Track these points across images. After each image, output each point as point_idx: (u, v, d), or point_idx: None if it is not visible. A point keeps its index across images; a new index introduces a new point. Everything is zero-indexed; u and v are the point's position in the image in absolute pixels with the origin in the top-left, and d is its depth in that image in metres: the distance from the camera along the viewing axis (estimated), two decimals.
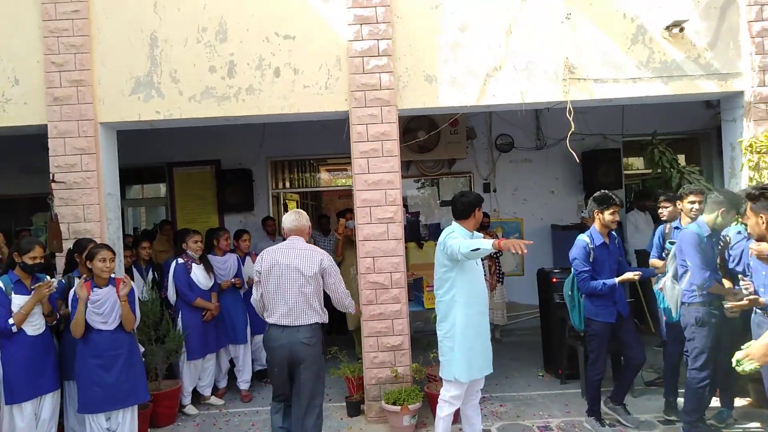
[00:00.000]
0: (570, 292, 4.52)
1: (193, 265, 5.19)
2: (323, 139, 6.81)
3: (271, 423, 3.89)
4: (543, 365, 5.81)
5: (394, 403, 4.37)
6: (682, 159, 8.38)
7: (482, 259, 6.84)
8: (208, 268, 5.30)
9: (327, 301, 3.80)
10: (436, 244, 6.08)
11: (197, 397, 5.29)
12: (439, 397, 3.82)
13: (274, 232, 7.23)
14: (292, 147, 7.86)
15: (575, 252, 4.29)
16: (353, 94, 4.69)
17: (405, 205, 8.10)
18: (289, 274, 3.64)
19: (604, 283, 4.19)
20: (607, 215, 4.22)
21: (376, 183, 4.69)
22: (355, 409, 4.85)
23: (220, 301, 5.41)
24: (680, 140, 8.20)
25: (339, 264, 6.05)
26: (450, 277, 3.70)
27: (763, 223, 2.86)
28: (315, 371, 3.67)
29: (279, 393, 3.79)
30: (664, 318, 4.61)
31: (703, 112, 7.54)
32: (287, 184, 9.60)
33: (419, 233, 8.01)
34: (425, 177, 8.08)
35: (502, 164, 7.97)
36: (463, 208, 3.78)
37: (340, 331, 7.42)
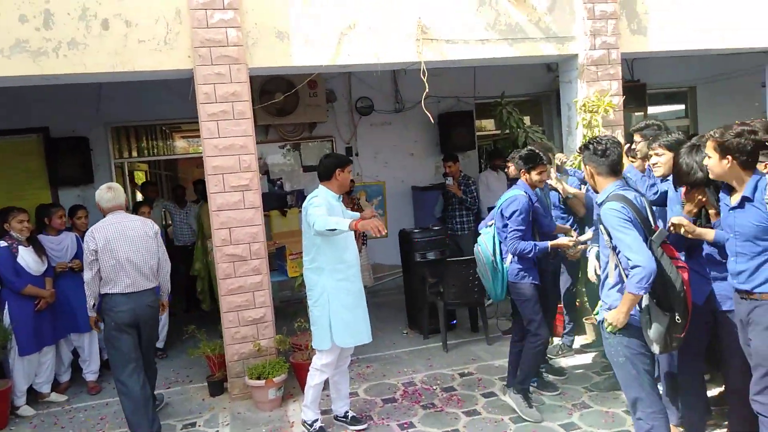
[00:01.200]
0: (492, 257, 3.86)
1: (20, 247, 4.51)
2: (170, 103, 6.26)
3: (130, 396, 3.81)
4: (407, 323, 5.99)
5: (258, 378, 4.21)
6: (527, 120, 9.01)
7: None
8: (39, 250, 4.65)
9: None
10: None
11: (34, 396, 4.71)
12: (311, 365, 3.78)
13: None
14: (135, 112, 7.12)
15: (515, 206, 3.71)
16: (197, 51, 4.28)
17: (266, 172, 7.81)
18: (126, 246, 3.84)
19: (535, 245, 3.72)
20: (534, 175, 3.82)
21: (228, 148, 4.37)
22: (217, 388, 4.61)
23: (57, 286, 4.80)
24: (525, 102, 8.75)
25: None
26: (316, 243, 3.61)
27: (588, 173, 2.97)
28: (154, 328, 4.17)
29: (131, 357, 3.85)
30: None
31: (545, 75, 8.09)
32: (135, 153, 8.79)
33: (283, 200, 7.79)
34: (286, 141, 7.79)
35: (363, 128, 7.93)
36: (324, 170, 3.73)
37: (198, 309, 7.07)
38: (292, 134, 7.72)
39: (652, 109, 8.97)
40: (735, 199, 2.64)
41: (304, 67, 4.66)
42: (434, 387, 4.41)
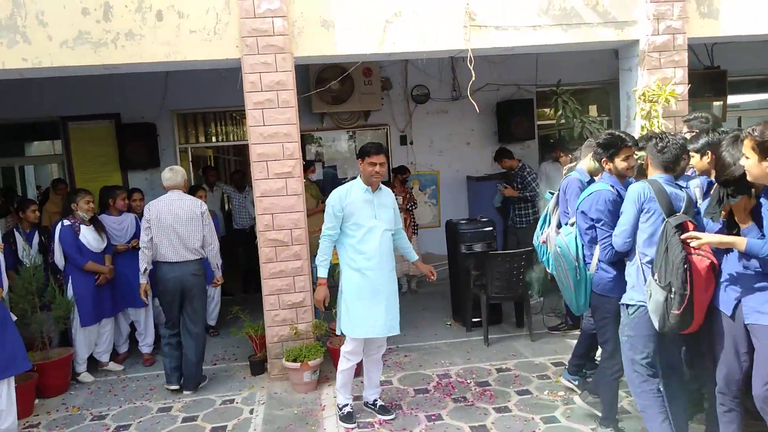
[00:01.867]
0: (576, 262, 3.29)
1: (82, 226, 4.85)
2: (230, 91, 6.46)
3: (166, 353, 4.51)
4: (452, 314, 5.92)
5: (294, 360, 4.31)
6: (594, 109, 8.60)
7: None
8: (100, 228, 4.98)
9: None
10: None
11: (95, 364, 5.07)
12: (341, 350, 3.84)
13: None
14: (197, 99, 7.41)
15: (599, 206, 3.16)
16: (244, 41, 4.39)
17: (320, 160, 7.94)
18: (172, 221, 4.35)
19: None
20: (620, 162, 3.21)
21: (272, 136, 4.47)
22: (258, 367, 4.78)
23: (117, 263, 5.13)
24: (592, 90, 8.36)
25: None
26: (335, 235, 3.74)
27: (646, 160, 3.07)
28: (202, 298, 4.55)
29: (170, 319, 4.49)
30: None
31: (612, 61, 7.63)
32: (201, 138, 9.19)
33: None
34: (341, 129, 7.87)
35: (419, 116, 7.87)
36: (358, 154, 3.78)
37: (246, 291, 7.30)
38: (348, 122, 7.79)
39: (732, 98, 8.32)
40: None
41: (350, 56, 4.67)
42: (469, 381, 4.35)
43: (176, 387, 4.50)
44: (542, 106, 8.16)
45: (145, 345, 5.30)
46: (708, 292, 2.76)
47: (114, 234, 5.16)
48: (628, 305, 3.02)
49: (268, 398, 4.31)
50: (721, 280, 2.75)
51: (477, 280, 5.37)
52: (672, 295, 2.67)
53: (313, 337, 4.59)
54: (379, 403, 3.96)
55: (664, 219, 2.80)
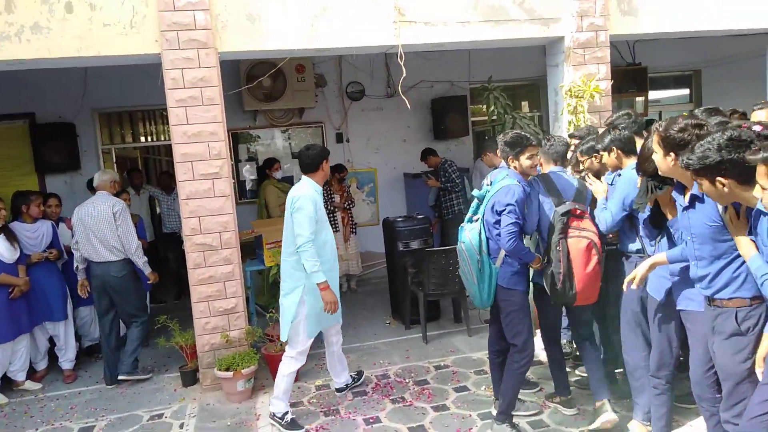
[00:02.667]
0: (478, 255, 3.30)
1: None
2: (154, 88, 6.15)
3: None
4: (391, 313, 5.89)
5: (227, 369, 4.14)
6: (525, 105, 8.79)
7: (335, 211, 6.83)
8: (11, 238, 4.61)
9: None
10: (265, 205, 5.83)
11: (10, 384, 4.70)
12: (285, 354, 3.79)
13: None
14: (121, 96, 7.02)
15: (511, 197, 3.18)
16: (164, 35, 4.16)
17: (255, 159, 7.72)
18: (90, 222, 4.55)
19: (528, 249, 3.30)
20: (525, 160, 3.29)
21: (197, 135, 4.26)
22: (190, 378, 4.56)
23: (32, 274, 4.76)
24: (523, 86, 8.54)
25: None
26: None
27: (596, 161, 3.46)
28: (128, 296, 4.71)
29: (100, 316, 4.82)
30: None
31: (542, 58, 7.80)
32: (128, 138, 8.76)
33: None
34: (275, 127, 7.67)
35: (354, 113, 7.79)
36: (311, 161, 3.74)
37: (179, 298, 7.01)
38: (281, 120, 7.60)
39: (653, 94, 8.71)
40: (686, 198, 2.47)
41: (277, 51, 4.52)
42: (407, 380, 4.32)
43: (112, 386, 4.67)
44: (476, 102, 8.27)
45: (66, 360, 4.96)
46: (588, 267, 3.13)
47: (28, 243, 4.79)
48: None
49: (200, 410, 4.12)
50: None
51: (414, 277, 5.35)
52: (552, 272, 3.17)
53: (247, 344, 4.43)
54: (353, 374, 4.32)
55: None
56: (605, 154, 3.24)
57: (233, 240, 4.40)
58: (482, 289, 3.34)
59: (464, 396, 3.98)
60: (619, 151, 3.16)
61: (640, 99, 8.34)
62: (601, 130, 3.63)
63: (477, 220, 3.45)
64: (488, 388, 4.04)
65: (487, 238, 3.35)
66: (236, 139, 7.55)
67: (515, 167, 3.35)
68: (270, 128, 7.68)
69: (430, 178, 6.92)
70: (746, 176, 2.05)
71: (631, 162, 3.09)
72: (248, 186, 7.70)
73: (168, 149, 11.09)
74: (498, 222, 3.24)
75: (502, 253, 3.29)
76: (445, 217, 6.84)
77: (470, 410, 3.76)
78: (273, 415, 3.77)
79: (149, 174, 10.48)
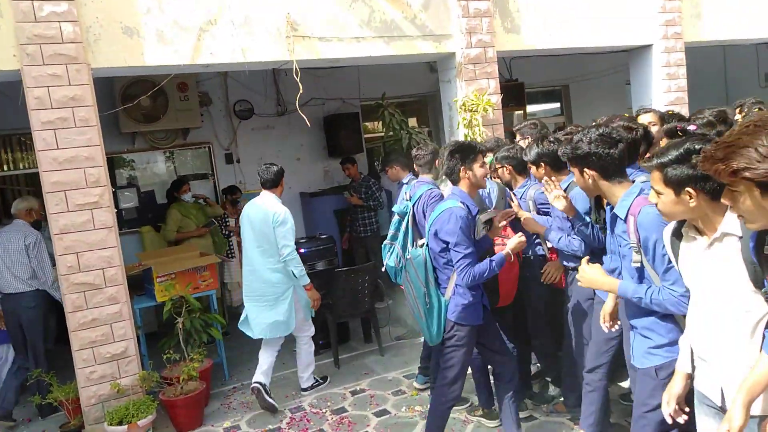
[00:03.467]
0: (424, 287, 2.97)
1: None
2: (13, 110, 5.42)
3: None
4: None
5: (120, 423, 3.66)
6: (414, 121, 8.96)
7: (230, 236, 6.44)
8: None
9: None
10: (163, 227, 5.88)
11: None
12: (301, 343, 4.48)
13: None
14: None
15: (453, 226, 2.85)
16: (24, 49, 3.65)
17: (135, 184, 7.09)
18: (4, 254, 4.42)
19: (491, 260, 2.89)
20: (477, 168, 2.97)
21: (71, 160, 3.78)
22: None
23: None
24: (412, 102, 8.69)
25: None
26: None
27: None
28: (35, 329, 4.47)
29: (15, 347, 4.56)
30: None
31: (429, 75, 8.04)
32: None
33: (154, 213, 7.10)
34: (157, 149, 7.11)
35: (244, 132, 7.45)
36: (274, 178, 4.28)
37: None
38: (164, 141, 7.07)
39: (531, 108, 9.28)
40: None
41: (160, 67, 4.16)
42: (324, 410, 4.10)
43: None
44: (367, 119, 8.28)
45: None
46: (511, 272, 3.25)
47: None
48: None
49: None
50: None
51: (322, 299, 5.13)
52: None
53: (142, 392, 3.96)
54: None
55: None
56: (533, 167, 3.26)
57: (119, 276, 3.94)
58: (431, 325, 2.98)
59: (385, 420, 3.84)
60: (547, 167, 3.14)
61: (519, 112, 8.84)
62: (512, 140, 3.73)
63: (422, 245, 3.11)
64: (410, 408, 3.94)
65: (434, 267, 3.01)
66: (111, 164, 6.88)
67: (468, 178, 2.96)
68: (151, 151, 7.10)
69: (352, 195, 6.64)
70: (608, 172, 2.32)
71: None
72: (129, 214, 7.03)
73: (29, 178, 9.95)
74: (444, 250, 2.93)
75: (452, 283, 2.96)
76: (361, 235, 6.63)
77: None
78: (311, 387, 4.46)
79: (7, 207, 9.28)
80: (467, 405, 3.90)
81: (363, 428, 3.76)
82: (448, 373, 3.04)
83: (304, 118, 4.65)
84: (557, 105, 9.83)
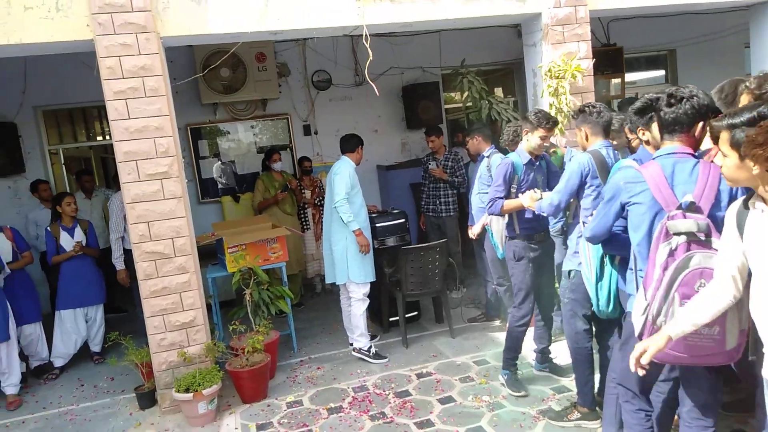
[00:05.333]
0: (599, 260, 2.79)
1: None
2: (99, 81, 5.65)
3: None
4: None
5: (186, 390, 3.72)
6: (500, 90, 8.46)
7: (304, 207, 6.42)
8: None
9: None
10: (251, 197, 6.28)
11: None
12: (354, 298, 4.61)
13: (50, 198, 5.96)
14: (64, 93, 6.48)
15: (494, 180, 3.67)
16: (96, 18, 3.68)
17: (217, 153, 7.23)
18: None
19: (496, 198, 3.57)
20: (534, 138, 3.55)
21: (141, 130, 3.81)
22: (147, 400, 4.13)
23: None
24: (496, 71, 8.21)
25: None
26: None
27: (583, 135, 3.17)
28: None
29: None
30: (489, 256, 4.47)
31: (516, 41, 7.50)
32: (81, 138, 8.17)
33: (237, 184, 7.23)
34: (237, 120, 7.19)
35: (321, 103, 7.36)
36: (349, 142, 4.75)
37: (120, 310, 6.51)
38: (244, 112, 7.14)
39: (630, 75, 8.46)
40: None
41: (228, 35, 4.07)
42: (387, 392, 3.95)
43: None
44: (448, 89, 7.91)
45: (10, 385, 4.46)
46: None
47: None
48: (569, 271, 3.16)
49: None
50: None
51: (391, 276, 4.98)
52: None
53: (209, 361, 4.00)
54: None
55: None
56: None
57: (188, 246, 3.96)
58: (600, 293, 2.80)
59: (450, 409, 3.62)
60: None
61: (616, 80, 8.08)
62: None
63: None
64: (476, 398, 3.70)
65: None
66: (195, 134, 7.06)
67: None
68: (232, 122, 7.19)
69: (437, 166, 5.92)
70: None
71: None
72: (218, 184, 7.18)
73: None
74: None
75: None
76: (442, 215, 5.97)
77: (457, 425, 3.41)
78: (359, 350, 4.58)
79: (108, 175, 9.90)
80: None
81: (425, 415, 3.57)
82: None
83: (373, 86, 4.42)
84: (661, 72, 8.89)
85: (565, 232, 4.04)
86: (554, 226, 4.10)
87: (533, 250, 3.70)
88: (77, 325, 5.07)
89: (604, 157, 3.02)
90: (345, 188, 4.45)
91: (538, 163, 3.72)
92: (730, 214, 1.91)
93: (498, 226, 4.03)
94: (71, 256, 4.99)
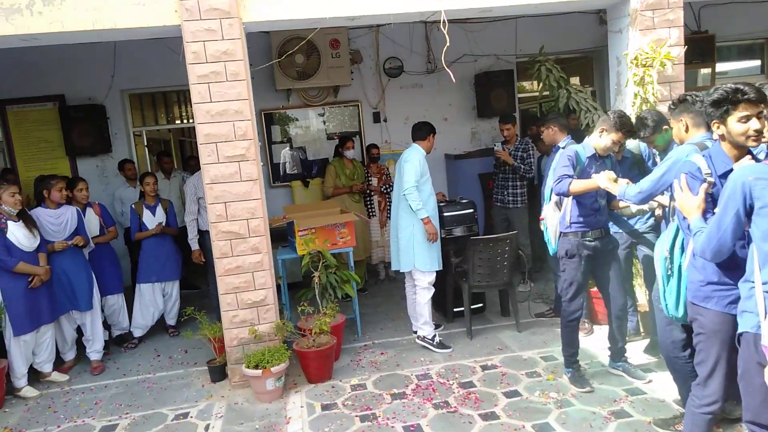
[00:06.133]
0: (667, 254, 2.63)
1: (9, 223, 4.25)
2: (182, 67, 5.88)
3: None
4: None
5: (256, 367, 3.84)
6: (577, 80, 8.15)
7: (371, 195, 6.45)
8: (31, 224, 4.39)
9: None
10: (322, 182, 6.34)
11: (38, 375, 4.54)
12: (419, 287, 4.59)
13: (135, 177, 6.31)
14: (150, 77, 6.80)
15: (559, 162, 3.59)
16: (184, 4, 3.81)
17: (288, 139, 7.38)
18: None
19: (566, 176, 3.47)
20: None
21: (221, 113, 3.93)
22: (218, 373, 4.29)
23: (57, 262, 4.56)
24: (575, 59, 7.92)
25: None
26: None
27: (683, 126, 2.95)
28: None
29: None
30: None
31: (597, 28, 7.21)
32: (162, 120, 8.56)
33: (305, 170, 7.36)
34: (309, 107, 7.31)
35: (392, 91, 7.35)
36: (421, 130, 4.66)
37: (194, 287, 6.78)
38: (316, 99, 7.24)
39: (722, 66, 7.93)
40: None
41: (307, 20, 4.12)
42: (451, 381, 3.92)
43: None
44: (522, 78, 7.69)
45: (94, 351, 4.77)
46: None
47: (51, 230, 4.58)
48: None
49: (227, 410, 3.83)
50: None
51: (458, 266, 4.93)
52: None
53: (278, 340, 4.11)
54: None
55: None
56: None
57: (262, 227, 4.07)
58: (668, 295, 2.63)
59: (515, 403, 3.56)
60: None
61: (706, 71, 7.59)
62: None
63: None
64: (543, 393, 3.61)
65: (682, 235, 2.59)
66: (269, 119, 7.23)
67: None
68: (304, 108, 7.31)
69: (505, 149, 5.78)
70: None
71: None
72: (288, 169, 7.34)
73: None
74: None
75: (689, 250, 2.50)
76: (509, 206, 5.85)
77: (523, 420, 3.34)
78: (423, 338, 4.57)
79: (184, 158, 10.34)
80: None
81: (491, 407, 3.52)
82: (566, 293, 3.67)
83: (450, 73, 4.36)
84: (757, 63, 8.27)
85: (655, 229, 3.86)
86: (646, 222, 3.91)
87: (586, 247, 3.58)
88: (155, 299, 5.33)
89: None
90: (415, 176, 4.40)
91: (601, 161, 3.60)
92: None
93: (553, 220, 3.86)
94: (152, 234, 5.25)
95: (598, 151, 3.58)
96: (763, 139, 2.31)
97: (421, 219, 4.43)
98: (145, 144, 7.53)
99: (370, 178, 6.49)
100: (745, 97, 2.27)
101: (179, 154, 10.07)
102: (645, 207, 3.61)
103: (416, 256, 4.52)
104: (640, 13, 4.29)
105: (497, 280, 4.73)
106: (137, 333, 5.29)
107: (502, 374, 3.97)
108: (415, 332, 4.70)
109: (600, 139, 3.54)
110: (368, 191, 6.43)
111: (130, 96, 7.17)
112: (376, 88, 7.33)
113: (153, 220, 5.29)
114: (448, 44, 4.15)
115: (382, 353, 4.53)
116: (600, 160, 3.61)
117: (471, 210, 5.17)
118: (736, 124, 2.29)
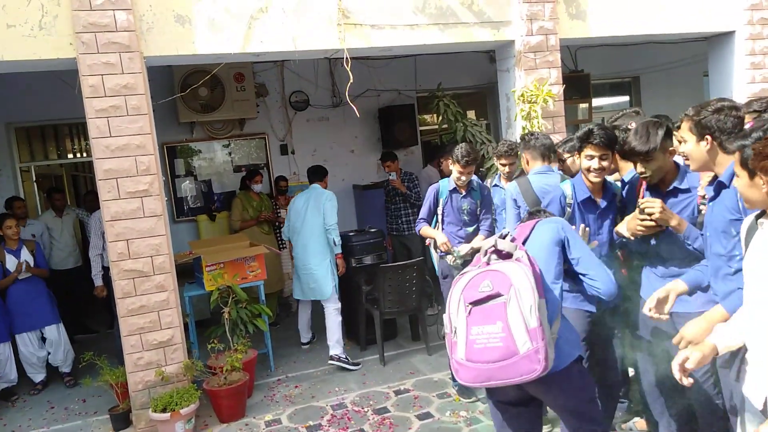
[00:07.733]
0: None
1: None
2: (76, 99, 5.62)
3: None
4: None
5: (163, 410, 3.69)
6: (473, 113, 8.69)
7: (280, 227, 6.45)
8: None
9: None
10: (229, 216, 6.43)
11: None
12: (331, 309, 4.92)
13: (25, 215, 5.87)
14: (40, 109, 6.41)
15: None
16: (80, 37, 3.71)
17: (192, 173, 7.22)
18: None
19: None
20: (583, 158, 2.81)
21: (122, 148, 3.82)
22: (122, 421, 4.06)
23: None
24: (470, 94, 8.43)
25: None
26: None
27: (525, 160, 3.49)
28: None
29: None
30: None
31: (488, 65, 7.76)
32: (53, 155, 8.03)
33: (211, 203, 7.21)
34: (214, 140, 7.21)
35: (299, 124, 7.44)
36: (320, 172, 5.25)
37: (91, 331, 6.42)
38: (221, 132, 7.15)
39: (597, 101, 8.79)
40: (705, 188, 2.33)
41: (210, 56, 4.14)
42: (366, 409, 3.98)
43: None
44: (422, 111, 8.09)
45: None
46: None
47: None
48: None
49: None
50: None
51: (369, 294, 5.04)
52: None
53: (187, 380, 3.98)
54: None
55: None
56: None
57: (167, 264, 3.96)
58: None
59: (428, 425, 3.68)
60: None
61: (584, 105, 8.38)
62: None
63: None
64: (454, 413, 3.77)
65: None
66: (172, 153, 7.04)
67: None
68: (209, 141, 7.20)
69: (397, 178, 6.31)
70: None
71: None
72: (190, 203, 7.15)
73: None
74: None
75: None
76: (405, 233, 6.37)
77: None
78: (338, 358, 4.76)
79: (79, 193, 9.74)
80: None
81: (404, 431, 3.62)
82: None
83: (354, 108, 4.53)
84: (626, 98, 9.27)
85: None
86: None
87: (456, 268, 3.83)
88: (35, 349, 4.95)
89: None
90: (337, 214, 4.96)
91: (465, 193, 3.98)
92: (743, 227, 1.94)
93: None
94: (16, 278, 4.81)
95: (454, 183, 3.96)
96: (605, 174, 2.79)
97: (337, 254, 4.96)
98: (34, 180, 7.03)
99: (278, 211, 6.49)
100: (594, 140, 2.72)
101: (72, 190, 9.48)
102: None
103: (331, 285, 4.92)
104: (524, 55, 4.72)
105: (407, 306, 4.90)
106: (37, 378, 4.97)
107: (414, 397, 4.09)
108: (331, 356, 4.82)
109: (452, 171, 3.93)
110: (277, 223, 6.42)
111: (16, 129, 6.70)
112: (282, 120, 7.38)
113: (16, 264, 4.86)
114: (351, 80, 4.33)
115: (296, 386, 4.51)
116: (462, 193, 3.99)
117: (380, 239, 5.33)
118: (584, 159, 2.79)
